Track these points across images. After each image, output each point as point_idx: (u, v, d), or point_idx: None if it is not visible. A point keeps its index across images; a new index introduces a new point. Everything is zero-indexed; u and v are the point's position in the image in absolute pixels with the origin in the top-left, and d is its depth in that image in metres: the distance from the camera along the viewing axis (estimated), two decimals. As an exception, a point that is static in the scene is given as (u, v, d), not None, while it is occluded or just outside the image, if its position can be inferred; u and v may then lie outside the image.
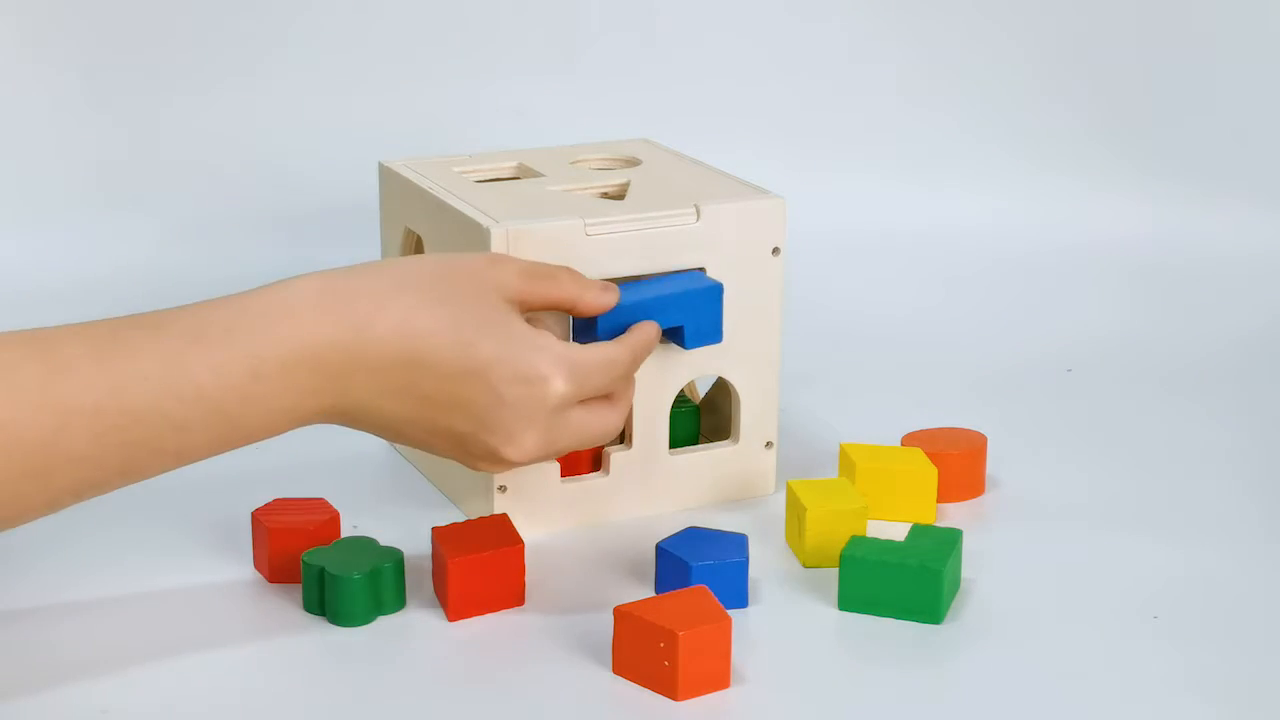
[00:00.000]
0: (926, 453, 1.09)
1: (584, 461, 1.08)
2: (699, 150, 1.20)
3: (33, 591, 0.97)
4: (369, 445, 1.15)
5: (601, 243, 1.03)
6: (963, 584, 1.00)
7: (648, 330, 0.97)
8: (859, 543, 0.97)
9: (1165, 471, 1.15)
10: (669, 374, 1.06)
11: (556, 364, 0.90)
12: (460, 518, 1.07)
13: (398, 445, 1.16)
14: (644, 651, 0.88)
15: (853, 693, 0.90)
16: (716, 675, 0.89)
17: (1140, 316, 1.43)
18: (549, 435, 0.91)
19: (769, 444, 1.10)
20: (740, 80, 1.58)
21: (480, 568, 0.95)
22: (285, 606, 0.96)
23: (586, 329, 0.97)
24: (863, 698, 0.89)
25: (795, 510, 1.02)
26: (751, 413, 1.09)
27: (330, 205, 1.47)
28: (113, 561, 1.00)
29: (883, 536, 1.02)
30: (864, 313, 1.43)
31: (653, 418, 1.07)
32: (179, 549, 1.02)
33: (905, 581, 0.95)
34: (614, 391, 0.96)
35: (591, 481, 1.07)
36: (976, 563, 1.01)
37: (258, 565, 1.00)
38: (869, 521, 1.05)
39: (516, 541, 0.96)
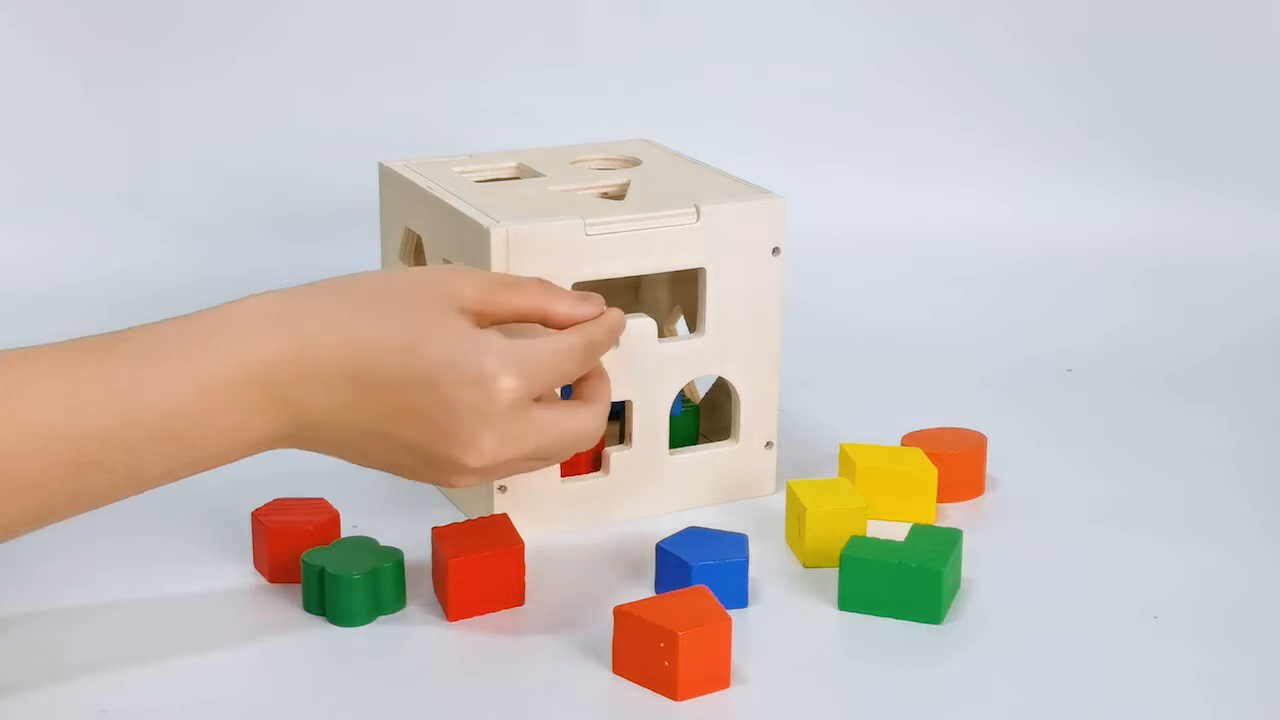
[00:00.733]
0: (926, 453, 1.09)
1: (584, 462, 1.08)
2: (700, 150, 1.20)
3: (34, 593, 0.97)
4: None
5: (601, 243, 1.02)
6: (963, 584, 1.00)
7: (608, 316, 0.94)
8: (859, 543, 0.97)
9: (1166, 471, 1.15)
10: (669, 374, 1.06)
11: (503, 360, 0.88)
12: (460, 518, 1.07)
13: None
14: (644, 651, 0.88)
15: (853, 693, 0.90)
16: (716, 675, 0.89)
17: (1140, 316, 1.43)
18: (509, 435, 0.89)
19: (769, 444, 1.10)
20: (741, 79, 1.58)
21: (480, 568, 0.95)
22: (285, 606, 0.96)
23: None
24: (863, 698, 0.89)
25: (795, 510, 1.02)
26: (751, 413, 1.09)
27: (330, 205, 1.47)
28: (112, 562, 1.00)
29: (882, 536, 1.02)
30: (864, 313, 1.43)
31: (653, 418, 1.06)
32: (179, 549, 1.02)
33: (905, 581, 0.95)
34: (585, 390, 0.94)
35: (591, 481, 1.06)
36: (976, 563, 1.01)
37: (258, 565, 1.00)
38: (869, 521, 1.05)
39: (516, 541, 0.96)
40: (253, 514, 1.00)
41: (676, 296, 1.18)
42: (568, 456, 0.93)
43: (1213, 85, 1.60)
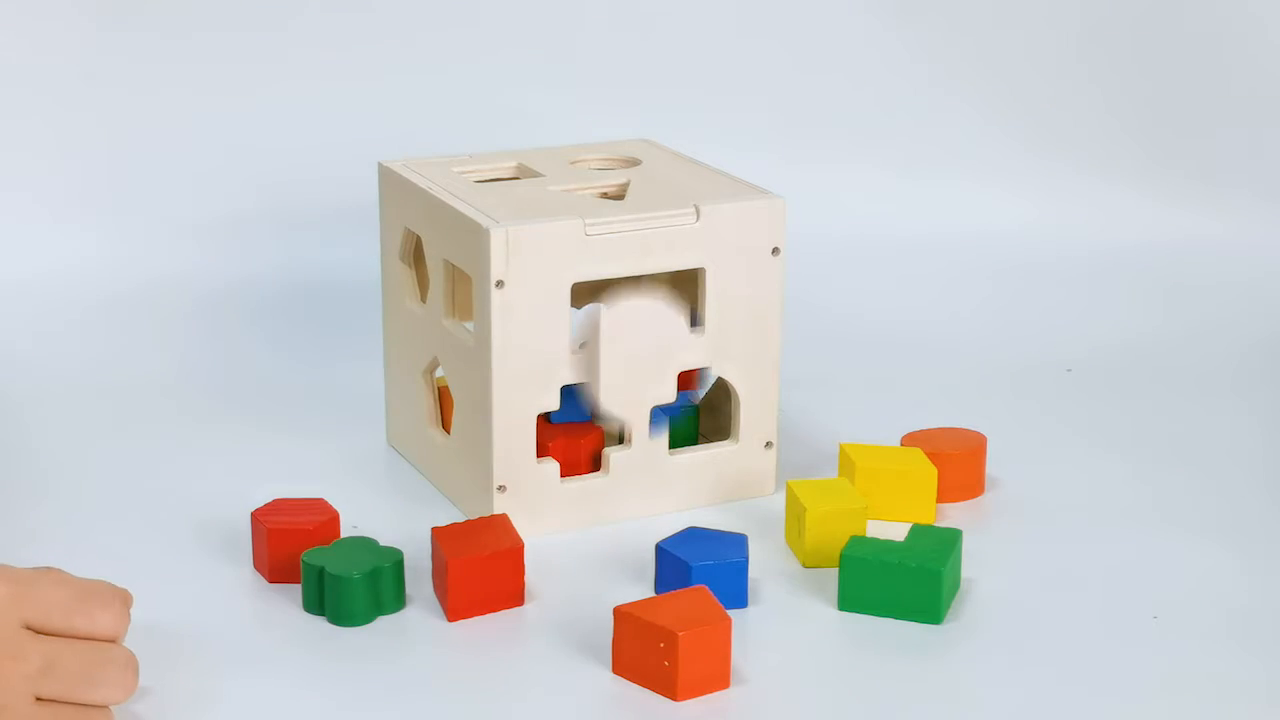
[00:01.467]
0: (926, 452, 1.09)
1: (584, 461, 1.08)
2: (700, 150, 1.20)
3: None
4: (369, 444, 1.16)
5: (601, 243, 1.02)
6: (962, 584, 1.00)
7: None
8: (859, 543, 0.97)
9: (1166, 471, 1.15)
10: (667, 373, 1.06)
11: None
12: (460, 517, 1.07)
13: (396, 444, 1.16)
14: (644, 651, 0.88)
15: (853, 693, 0.90)
16: (716, 675, 0.89)
17: (1141, 317, 1.43)
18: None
19: (769, 444, 1.10)
20: (741, 78, 1.57)
21: (480, 568, 0.95)
22: (285, 606, 0.97)
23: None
24: (863, 698, 0.89)
25: (795, 510, 1.02)
26: (751, 413, 1.09)
27: (328, 205, 1.47)
28: (113, 561, 0.97)
29: (882, 536, 1.01)
30: (864, 314, 1.42)
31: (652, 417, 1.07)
32: (178, 549, 1.02)
33: (905, 581, 0.95)
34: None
35: (591, 481, 1.06)
36: (976, 563, 1.01)
37: (257, 566, 1.00)
38: (869, 521, 1.05)
39: (516, 542, 0.96)
40: (252, 514, 1.00)
41: (677, 296, 1.17)
42: (102, 674, 0.83)
43: (1230, 86, 1.59)
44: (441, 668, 0.92)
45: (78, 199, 1.48)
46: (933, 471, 1.06)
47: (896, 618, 0.96)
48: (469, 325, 1.06)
